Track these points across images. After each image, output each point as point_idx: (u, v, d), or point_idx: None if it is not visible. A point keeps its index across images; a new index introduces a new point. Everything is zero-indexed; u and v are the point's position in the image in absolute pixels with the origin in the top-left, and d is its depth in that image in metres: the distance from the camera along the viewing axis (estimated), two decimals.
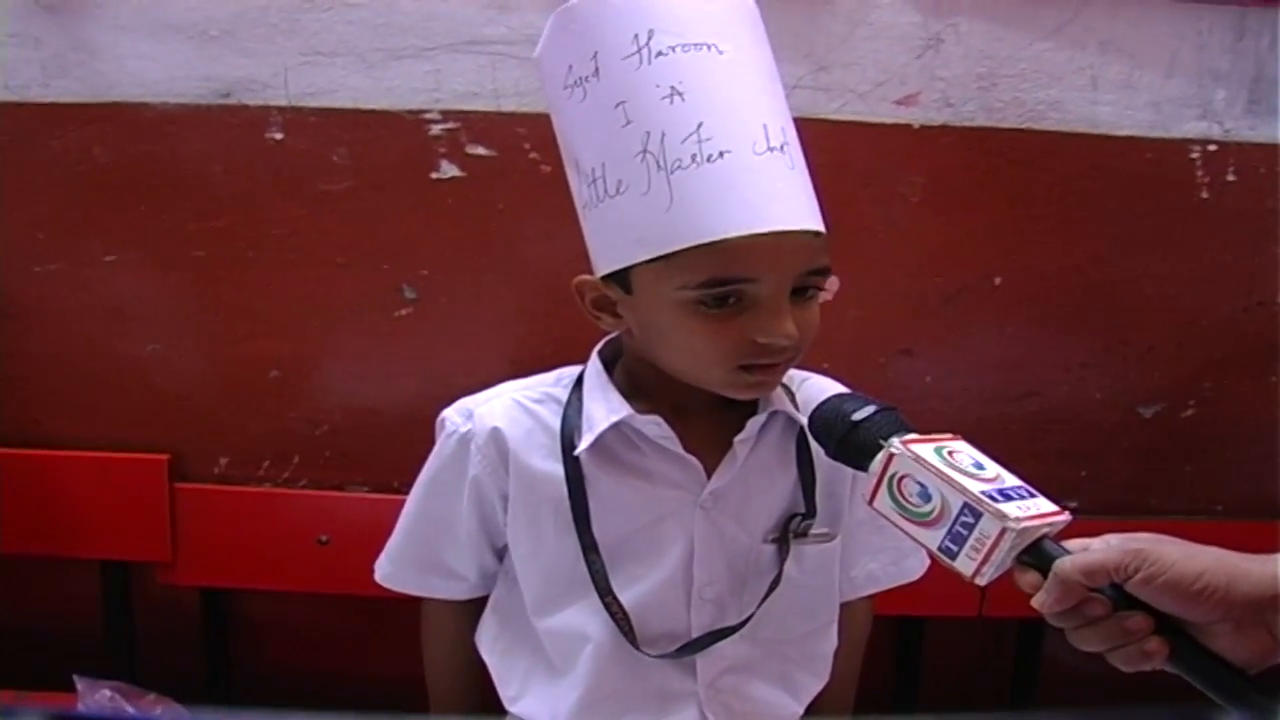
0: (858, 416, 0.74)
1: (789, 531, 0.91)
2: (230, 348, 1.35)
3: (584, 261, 0.87)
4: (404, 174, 1.29)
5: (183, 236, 1.31)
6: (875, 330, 1.36)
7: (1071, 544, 0.65)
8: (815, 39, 1.27)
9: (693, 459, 0.89)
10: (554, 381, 0.96)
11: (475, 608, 1.03)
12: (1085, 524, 0.68)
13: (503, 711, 0.99)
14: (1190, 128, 1.31)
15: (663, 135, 0.76)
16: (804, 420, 0.86)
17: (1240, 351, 1.38)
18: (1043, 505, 0.67)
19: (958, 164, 1.31)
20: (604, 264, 0.83)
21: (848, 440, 0.74)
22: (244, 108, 1.28)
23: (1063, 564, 0.63)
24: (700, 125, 0.76)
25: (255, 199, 1.30)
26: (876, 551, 1.00)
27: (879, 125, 1.29)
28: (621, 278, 0.82)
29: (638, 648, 0.89)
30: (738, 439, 0.88)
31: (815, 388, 0.94)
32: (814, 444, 0.81)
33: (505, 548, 0.97)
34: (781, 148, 0.78)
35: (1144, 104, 1.30)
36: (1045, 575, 0.64)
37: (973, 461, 0.69)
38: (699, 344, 0.80)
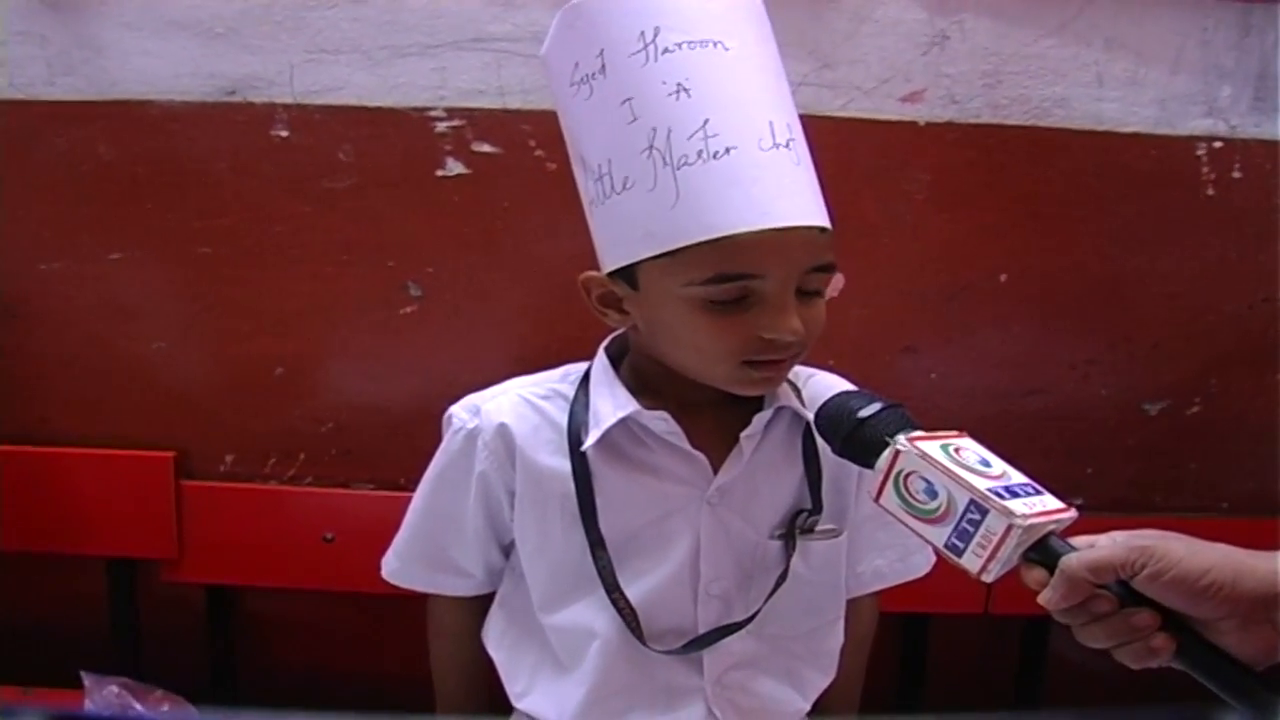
0: (864, 413, 0.74)
1: (795, 527, 0.91)
2: (236, 345, 1.35)
3: (590, 258, 0.87)
4: (409, 171, 1.29)
5: (188, 234, 1.32)
6: (880, 327, 1.35)
7: (1077, 541, 0.65)
8: (820, 36, 1.27)
9: (699, 455, 0.89)
10: (560, 378, 0.96)
11: (481, 604, 1.03)
12: (1090, 521, 0.68)
13: (509, 708, 0.99)
14: (1195, 124, 1.31)
15: (669, 131, 0.76)
16: (810, 416, 0.87)
17: (1246, 348, 1.38)
18: (1049, 502, 0.67)
19: (963, 161, 1.30)
20: (610, 260, 0.84)
21: (854, 437, 0.74)
22: (249, 105, 1.28)
23: (1069, 560, 0.63)
24: (706, 121, 0.76)
25: (260, 196, 1.30)
26: (883, 548, 1.00)
27: (884, 122, 1.29)
28: (628, 274, 0.83)
29: (644, 644, 0.90)
30: (744, 435, 0.88)
31: (821, 384, 0.94)
32: (820, 440, 0.81)
33: (512, 544, 0.97)
34: (787, 144, 0.78)
35: (1149, 101, 1.30)
36: (1051, 572, 0.64)
37: (979, 458, 0.69)
38: (705, 340, 0.81)
